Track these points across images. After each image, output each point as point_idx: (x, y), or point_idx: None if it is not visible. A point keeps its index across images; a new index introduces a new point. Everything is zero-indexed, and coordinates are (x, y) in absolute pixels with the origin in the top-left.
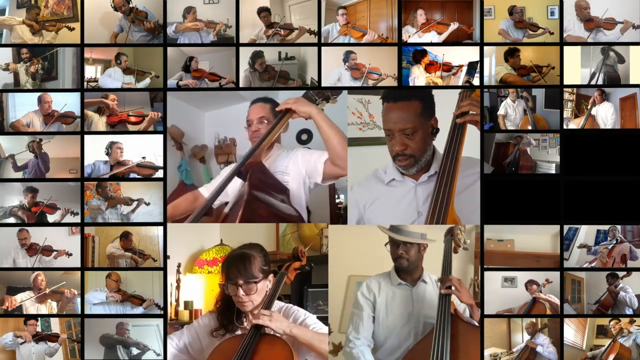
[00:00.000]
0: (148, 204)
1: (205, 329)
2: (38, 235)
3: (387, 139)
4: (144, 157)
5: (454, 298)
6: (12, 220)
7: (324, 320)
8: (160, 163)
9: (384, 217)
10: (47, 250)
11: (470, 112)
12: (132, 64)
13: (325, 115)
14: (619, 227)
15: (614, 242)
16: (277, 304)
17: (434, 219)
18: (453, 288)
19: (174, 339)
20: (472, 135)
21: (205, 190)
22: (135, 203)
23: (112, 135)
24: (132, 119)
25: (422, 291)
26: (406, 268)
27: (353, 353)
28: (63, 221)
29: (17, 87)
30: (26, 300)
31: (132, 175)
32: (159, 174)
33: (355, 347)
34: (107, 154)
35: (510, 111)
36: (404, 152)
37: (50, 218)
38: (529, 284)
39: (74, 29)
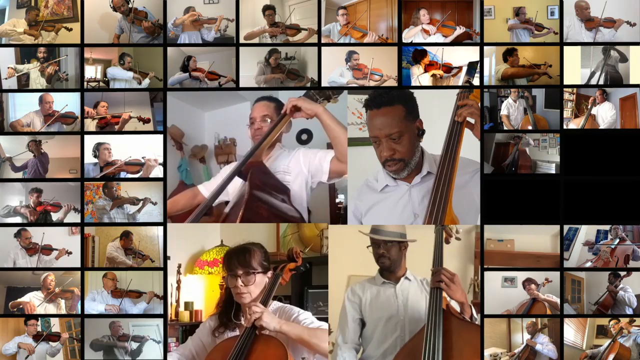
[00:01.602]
0: (155, 204)
1: (207, 330)
2: (38, 235)
3: (375, 146)
4: (144, 157)
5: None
6: (18, 219)
7: (324, 320)
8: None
9: (381, 223)
10: (47, 249)
11: (468, 118)
12: (134, 66)
13: (330, 112)
14: (621, 226)
15: (617, 240)
16: (275, 304)
17: (432, 220)
18: (443, 283)
19: (179, 350)
20: (470, 136)
21: (204, 189)
22: (141, 203)
23: (112, 136)
24: (115, 119)
25: (406, 287)
26: (389, 267)
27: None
28: (66, 219)
29: (20, 88)
30: (38, 304)
31: (122, 174)
32: (158, 173)
33: (341, 352)
34: (95, 155)
35: (512, 111)
36: (392, 157)
37: (54, 216)
38: (527, 282)
39: (71, 29)
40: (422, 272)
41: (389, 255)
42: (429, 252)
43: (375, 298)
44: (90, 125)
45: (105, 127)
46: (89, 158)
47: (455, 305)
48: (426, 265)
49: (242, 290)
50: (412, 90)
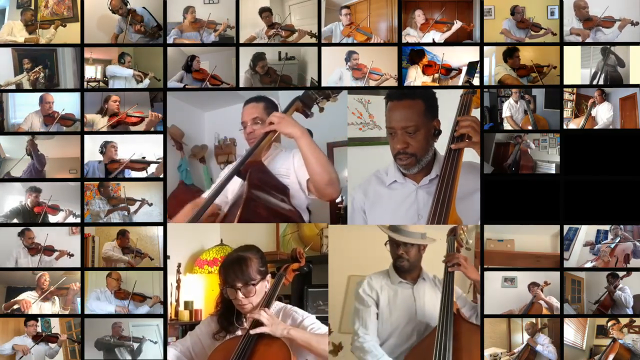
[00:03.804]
0: (151, 205)
1: (207, 331)
2: (39, 235)
3: (390, 138)
4: (144, 157)
5: (456, 293)
6: (15, 220)
7: (324, 320)
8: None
9: (384, 219)
10: (49, 250)
11: (469, 135)
12: (133, 66)
13: (309, 139)
14: (621, 226)
15: (617, 239)
16: (277, 305)
17: (435, 220)
18: (459, 266)
19: (178, 345)
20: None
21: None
22: (138, 204)
23: (111, 135)
24: (132, 119)
25: (423, 289)
26: (407, 269)
27: (365, 347)
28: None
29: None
30: (33, 302)
31: (127, 172)
32: (154, 170)
33: (366, 341)
34: (102, 152)
35: (513, 112)
36: (405, 150)
37: (52, 219)
38: (532, 285)
39: (66, 25)
40: (432, 269)
41: (407, 257)
42: (436, 251)
43: (392, 299)
44: (100, 122)
45: (117, 126)
46: (93, 156)
47: (463, 287)
48: (436, 263)
49: (243, 302)
50: (434, 90)
